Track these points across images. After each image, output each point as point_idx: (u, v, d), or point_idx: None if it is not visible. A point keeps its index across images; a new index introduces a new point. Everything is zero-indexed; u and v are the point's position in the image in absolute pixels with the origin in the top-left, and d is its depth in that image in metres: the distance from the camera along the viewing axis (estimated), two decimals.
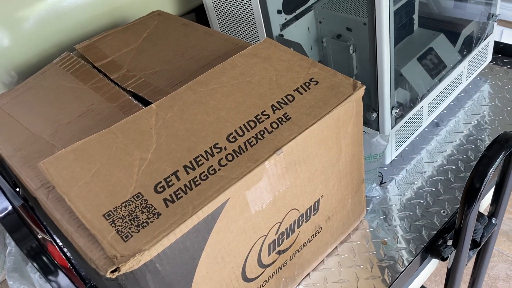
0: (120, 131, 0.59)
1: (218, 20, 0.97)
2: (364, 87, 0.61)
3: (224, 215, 0.52)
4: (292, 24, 0.91)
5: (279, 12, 0.88)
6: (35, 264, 0.58)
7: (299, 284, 0.72)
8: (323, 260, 0.75)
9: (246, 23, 0.90)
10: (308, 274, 0.73)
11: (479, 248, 0.75)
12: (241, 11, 0.89)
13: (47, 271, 0.60)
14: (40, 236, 0.81)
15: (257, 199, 0.55)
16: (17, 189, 0.77)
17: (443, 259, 0.68)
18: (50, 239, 0.77)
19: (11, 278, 1.51)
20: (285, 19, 0.90)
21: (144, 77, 0.75)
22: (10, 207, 0.62)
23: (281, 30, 0.90)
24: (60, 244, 0.75)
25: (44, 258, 0.58)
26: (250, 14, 0.88)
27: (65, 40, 0.99)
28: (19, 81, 0.96)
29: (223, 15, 0.95)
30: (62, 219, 0.53)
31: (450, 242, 0.72)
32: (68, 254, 0.75)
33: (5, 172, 0.74)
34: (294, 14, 0.91)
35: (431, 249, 0.70)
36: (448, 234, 0.72)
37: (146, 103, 0.70)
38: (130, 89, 0.73)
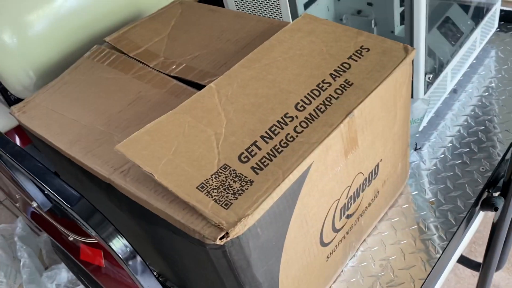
0: (186, 111, 0.59)
1: (236, 3, 0.97)
2: (415, 49, 0.64)
3: (309, 179, 0.53)
4: (313, 3, 0.93)
5: None
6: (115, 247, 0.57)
7: (357, 250, 0.74)
8: (376, 226, 0.77)
9: (269, 4, 0.92)
10: (364, 240, 0.75)
11: None
12: None
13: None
14: None
15: (334, 162, 0.57)
16: None
17: (496, 209, 0.71)
18: None
19: None
20: None
21: (185, 62, 0.76)
22: (79, 195, 0.61)
23: (304, 9, 0.91)
24: None
25: (125, 240, 0.58)
26: None
27: (83, 37, 0.98)
28: (38, 82, 0.94)
29: None
30: (150, 198, 0.53)
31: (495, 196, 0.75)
32: None
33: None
34: None
35: (482, 202, 0.73)
36: (493, 188, 0.75)
37: (194, 86, 0.71)
38: (175, 75, 0.73)
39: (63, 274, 1.54)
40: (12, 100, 1.03)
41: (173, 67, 0.75)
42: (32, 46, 0.93)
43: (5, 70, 0.90)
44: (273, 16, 0.93)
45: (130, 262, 0.59)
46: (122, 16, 1.03)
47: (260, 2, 0.93)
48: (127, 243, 0.57)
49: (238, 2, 0.98)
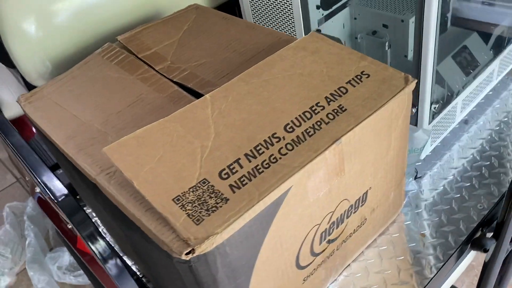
0: (178, 120, 0.60)
1: (252, 12, 0.98)
2: (416, 80, 0.63)
3: (286, 202, 0.53)
4: (328, 20, 0.92)
5: (317, 7, 0.89)
6: (94, 247, 0.59)
7: (340, 274, 0.74)
8: (362, 251, 0.76)
9: (284, 17, 0.92)
10: (349, 264, 0.75)
11: None
12: (279, 5, 0.90)
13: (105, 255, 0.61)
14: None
15: (315, 188, 0.56)
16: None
17: (485, 250, 0.69)
18: None
19: (31, 269, 1.53)
20: (322, 14, 0.92)
21: (189, 69, 0.77)
22: (66, 191, 0.63)
23: (318, 25, 0.91)
24: None
25: (103, 242, 0.59)
26: (288, 8, 0.89)
27: (101, 32, 1.00)
28: (53, 71, 0.97)
29: (258, 8, 0.96)
30: (128, 203, 0.54)
31: (488, 236, 0.73)
32: None
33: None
34: (330, 10, 0.93)
35: (472, 241, 0.72)
36: (487, 228, 0.73)
37: (194, 94, 0.71)
38: (177, 81, 0.74)
39: (66, 257, 1.57)
40: (33, 86, 1.06)
41: (177, 72, 0.76)
42: (52, 36, 0.95)
43: (23, 57, 0.93)
44: (287, 30, 0.93)
45: (108, 264, 0.60)
46: (141, 15, 1.04)
47: (275, 15, 0.93)
48: (105, 245, 0.58)
49: (255, 14, 0.98)
